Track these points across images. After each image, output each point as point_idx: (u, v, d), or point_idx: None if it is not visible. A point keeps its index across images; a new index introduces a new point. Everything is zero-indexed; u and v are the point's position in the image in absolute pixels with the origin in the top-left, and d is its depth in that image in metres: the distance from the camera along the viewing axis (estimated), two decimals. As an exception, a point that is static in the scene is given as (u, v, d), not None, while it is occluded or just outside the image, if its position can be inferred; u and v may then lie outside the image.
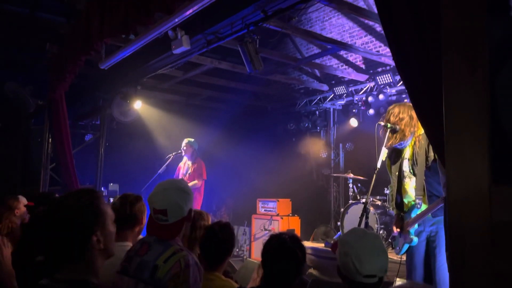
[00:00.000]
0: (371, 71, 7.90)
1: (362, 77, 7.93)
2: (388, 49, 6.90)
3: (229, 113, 9.97)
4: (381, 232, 5.97)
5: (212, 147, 9.22)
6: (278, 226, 7.19)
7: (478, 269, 1.28)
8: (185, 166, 7.07)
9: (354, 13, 5.95)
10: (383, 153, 3.40)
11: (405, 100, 6.73)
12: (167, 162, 6.96)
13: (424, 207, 3.19)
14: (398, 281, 3.46)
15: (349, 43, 7.71)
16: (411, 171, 3.31)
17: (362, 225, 3.38)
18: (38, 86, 7.46)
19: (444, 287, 2.96)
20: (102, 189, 8.04)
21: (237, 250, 7.97)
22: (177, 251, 1.89)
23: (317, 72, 9.01)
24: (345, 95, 8.07)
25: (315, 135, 8.99)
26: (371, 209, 6.02)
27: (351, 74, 7.97)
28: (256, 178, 8.90)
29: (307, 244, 6.49)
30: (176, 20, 4.17)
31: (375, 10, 4.56)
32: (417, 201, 3.20)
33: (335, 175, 8.29)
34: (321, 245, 6.57)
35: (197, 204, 6.62)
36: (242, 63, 5.26)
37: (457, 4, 1.37)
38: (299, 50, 9.18)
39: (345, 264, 1.90)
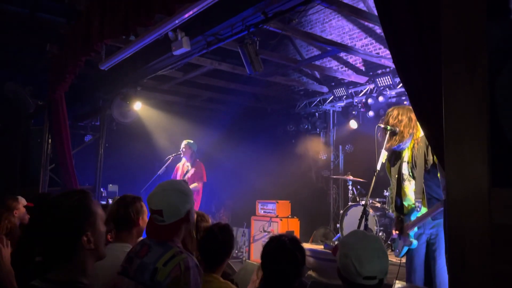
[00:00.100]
0: (371, 73, 7.91)
1: (362, 79, 7.94)
2: (388, 51, 6.91)
3: (229, 115, 9.97)
4: (380, 234, 5.96)
5: (212, 148, 9.22)
6: (277, 228, 7.18)
7: (478, 271, 1.28)
8: (183, 167, 7.07)
9: (354, 15, 5.96)
10: (383, 155, 3.41)
11: (405, 102, 6.73)
12: (167, 163, 6.96)
13: (424, 210, 3.19)
14: (397, 284, 3.45)
15: (349, 45, 7.72)
16: (410, 174, 3.32)
17: (362, 227, 3.38)
18: (38, 87, 7.46)
19: (443, 289, 2.96)
20: (102, 189, 8.03)
21: (236, 251, 7.96)
22: (176, 254, 1.89)
23: (317, 74, 9.01)
24: (344, 97, 8.08)
25: (314, 137, 8.98)
26: (371, 211, 6.01)
27: (351, 76, 7.98)
28: (255, 179, 8.89)
29: (306, 246, 6.48)
30: (177, 21, 4.18)
31: (375, 12, 4.56)
32: (417, 204, 3.20)
33: (334, 177, 8.29)
34: (320, 247, 6.56)
35: (195, 205, 6.61)
36: (242, 65, 5.26)
37: (457, 7, 1.37)
38: (299, 52, 9.19)
39: (345, 266, 1.89)
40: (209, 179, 7.21)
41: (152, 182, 6.69)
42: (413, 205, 3.26)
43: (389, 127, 3.27)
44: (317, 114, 8.91)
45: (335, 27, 8.48)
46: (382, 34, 6.60)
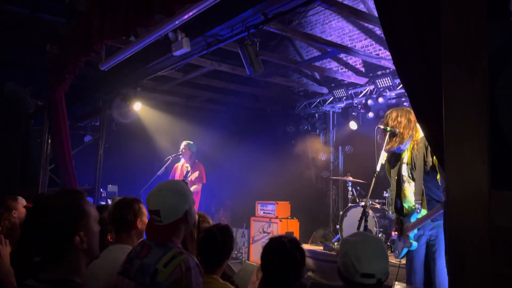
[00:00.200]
0: (371, 74, 7.91)
1: (361, 80, 7.94)
2: (388, 52, 6.91)
3: (229, 115, 9.97)
4: (380, 235, 5.96)
5: (212, 149, 9.22)
6: (277, 229, 7.18)
7: (478, 273, 1.28)
8: (183, 168, 7.07)
9: (354, 16, 5.96)
10: (383, 157, 3.41)
11: (405, 104, 6.74)
12: (166, 164, 6.96)
13: (423, 211, 3.19)
14: (397, 285, 3.45)
15: (349, 46, 7.72)
16: (410, 175, 3.32)
17: (361, 228, 3.38)
18: (38, 87, 7.46)
19: (443, 291, 2.96)
20: (101, 190, 8.03)
21: (236, 252, 7.96)
22: (177, 254, 1.89)
23: (317, 75, 9.02)
24: (344, 98, 8.08)
25: (314, 138, 8.98)
26: (370, 212, 6.01)
27: (350, 77, 7.99)
28: (255, 180, 8.89)
29: (305, 247, 6.47)
30: (177, 22, 4.18)
31: (375, 14, 4.57)
32: (417, 205, 3.20)
33: (334, 178, 8.29)
34: (319, 248, 6.56)
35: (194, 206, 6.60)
36: (242, 66, 5.26)
37: (457, 7, 1.37)
38: (299, 53, 9.20)
39: (344, 264, 1.89)
40: (209, 180, 7.22)
41: (151, 182, 6.68)
42: (413, 207, 3.26)
43: (388, 129, 3.28)
44: (317, 115, 8.91)
45: (335, 28, 8.49)
46: (382, 35, 6.62)
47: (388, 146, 3.30)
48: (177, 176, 6.97)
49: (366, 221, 3.47)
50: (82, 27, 4.82)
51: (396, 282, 3.35)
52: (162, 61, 5.70)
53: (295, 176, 8.72)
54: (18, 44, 7.48)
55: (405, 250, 3.28)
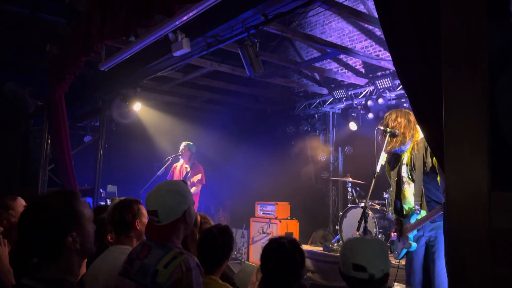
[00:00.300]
0: (371, 75, 7.91)
1: (361, 81, 7.94)
2: (387, 53, 6.92)
3: (229, 116, 9.98)
4: (379, 236, 5.95)
5: (211, 149, 9.22)
6: (277, 229, 7.18)
7: (478, 274, 1.28)
8: (182, 168, 7.07)
9: (354, 17, 5.96)
10: (383, 158, 3.41)
11: (404, 105, 6.75)
12: (166, 164, 6.96)
13: (423, 213, 3.19)
14: (396, 286, 3.45)
15: (349, 47, 7.72)
16: (410, 176, 3.32)
17: (361, 229, 3.37)
18: (38, 87, 7.46)
19: (442, 292, 2.96)
20: (101, 190, 8.02)
21: (235, 253, 7.95)
22: (177, 255, 1.89)
23: (317, 76, 9.02)
24: (344, 98, 8.08)
25: (314, 139, 8.99)
26: (370, 213, 6.01)
27: (350, 78, 7.99)
28: (254, 181, 8.89)
29: (305, 247, 6.47)
30: (177, 22, 4.17)
31: (375, 14, 4.57)
32: (416, 207, 3.21)
33: (334, 178, 8.29)
34: (319, 249, 6.56)
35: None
36: (242, 66, 5.26)
37: (457, 7, 1.37)
38: (299, 54, 9.20)
39: (342, 260, 1.90)
40: (208, 180, 7.21)
41: (151, 183, 6.68)
42: (412, 208, 3.26)
43: (389, 129, 3.28)
44: (316, 115, 8.91)
45: (335, 29, 8.50)
46: (382, 36, 6.62)
47: (390, 147, 3.31)
48: (176, 176, 6.97)
49: (365, 222, 3.47)
50: (82, 27, 4.82)
51: (396, 283, 3.35)
52: (162, 61, 5.70)
53: (295, 177, 8.72)
54: (18, 44, 7.48)
55: (404, 251, 3.28)
